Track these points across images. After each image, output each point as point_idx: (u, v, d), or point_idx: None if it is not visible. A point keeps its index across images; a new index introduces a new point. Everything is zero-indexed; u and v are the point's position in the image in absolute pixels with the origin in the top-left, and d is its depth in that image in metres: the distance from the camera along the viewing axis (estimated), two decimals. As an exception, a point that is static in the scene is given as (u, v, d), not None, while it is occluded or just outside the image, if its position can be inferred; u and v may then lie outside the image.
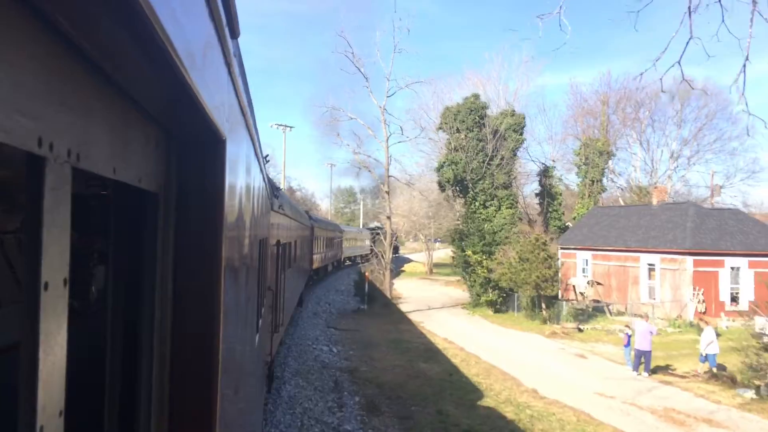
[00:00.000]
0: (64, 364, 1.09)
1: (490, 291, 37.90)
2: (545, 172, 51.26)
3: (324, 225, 43.96)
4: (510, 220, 42.22)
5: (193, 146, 2.01)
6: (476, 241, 40.58)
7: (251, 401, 5.19)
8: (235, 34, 2.35)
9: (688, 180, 65.59)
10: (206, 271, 2.01)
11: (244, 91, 2.99)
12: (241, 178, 2.95)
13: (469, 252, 40.21)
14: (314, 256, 35.81)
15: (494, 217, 42.26)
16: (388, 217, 44.27)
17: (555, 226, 47.41)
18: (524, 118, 44.68)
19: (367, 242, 71.67)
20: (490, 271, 37.48)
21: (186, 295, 1.98)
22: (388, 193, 44.36)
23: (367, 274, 39.20)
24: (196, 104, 1.56)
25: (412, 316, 34.67)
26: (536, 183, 53.29)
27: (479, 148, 42.63)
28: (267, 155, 9.17)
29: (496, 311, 37.20)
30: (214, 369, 2.00)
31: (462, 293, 46.13)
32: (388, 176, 44.72)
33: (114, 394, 1.92)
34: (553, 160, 58.96)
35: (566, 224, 49.26)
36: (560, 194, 50.99)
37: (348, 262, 64.79)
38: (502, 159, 43.07)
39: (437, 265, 76.66)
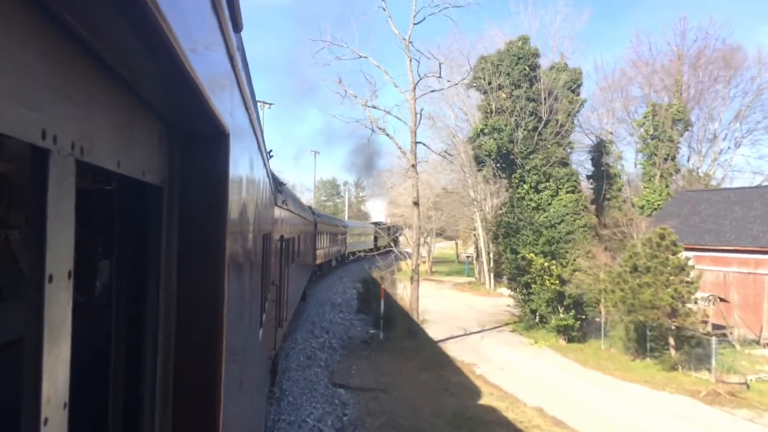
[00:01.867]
0: (69, 356, 1.10)
1: (561, 311, 27.68)
2: (601, 148, 39.25)
3: (328, 220, 43.92)
4: (573, 209, 31.37)
5: (196, 140, 2.01)
6: (531, 237, 30.79)
7: (255, 395, 5.21)
8: (238, 27, 2.34)
9: (731, 163, 50.19)
10: (210, 265, 2.01)
11: (247, 84, 2.99)
12: (244, 173, 2.95)
13: (528, 254, 29.54)
14: (318, 252, 35.75)
15: (549, 204, 31.64)
16: (416, 203, 29.12)
17: (614, 218, 34.74)
18: (581, 73, 33.90)
19: (371, 237, 71.69)
20: (562, 282, 27.76)
21: (190, 289, 1.98)
22: (415, 166, 28.50)
23: (382, 286, 28.69)
24: (199, 98, 1.56)
25: (453, 351, 24.17)
26: (587, 161, 41.55)
27: (529, 111, 31.81)
28: (270, 150, 9.17)
29: (570, 340, 26.99)
30: (217, 363, 2.01)
31: (484, 302, 37.98)
32: (416, 143, 28.58)
33: (118, 386, 1.93)
34: (611, 132, 45.96)
35: (628, 217, 34.92)
36: (619, 176, 39.62)
37: (352, 257, 64.81)
38: (559, 127, 32.01)
39: (433, 262, 67.87)
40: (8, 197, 2.53)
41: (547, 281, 28.06)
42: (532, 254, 29.16)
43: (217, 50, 1.85)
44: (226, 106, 2.05)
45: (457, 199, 52.28)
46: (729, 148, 48.72)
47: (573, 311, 27.30)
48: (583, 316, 27.52)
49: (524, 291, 30.31)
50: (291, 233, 16.11)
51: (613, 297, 23.72)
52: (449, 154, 39.57)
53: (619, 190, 38.90)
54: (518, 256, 30.53)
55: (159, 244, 1.89)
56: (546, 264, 28.32)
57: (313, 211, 33.77)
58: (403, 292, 33.82)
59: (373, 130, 29.48)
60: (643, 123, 40.57)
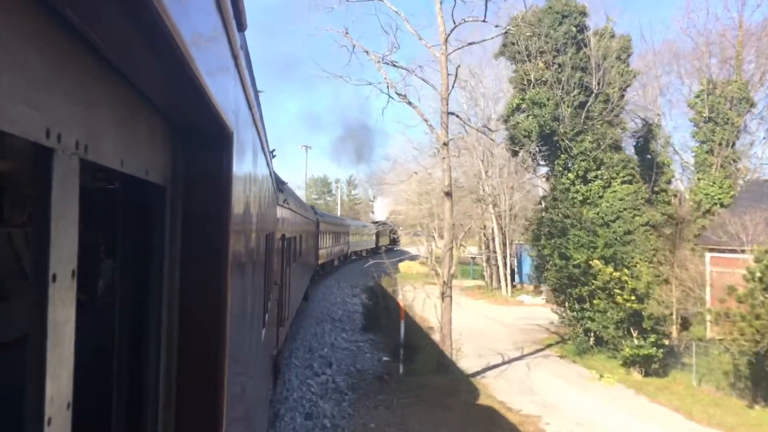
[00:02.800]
0: (72, 356, 1.09)
1: (635, 334, 21.60)
2: (647, 132, 31.63)
3: (330, 219, 43.96)
4: (631, 203, 25.45)
5: (200, 139, 2.01)
6: (584, 239, 24.40)
7: (257, 394, 5.22)
8: (242, 26, 2.34)
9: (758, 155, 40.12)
10: (213, 264, 2.01)
11: (250, 83, 2.99)
12: (247, 172, 2.95)
13: (589, 260, 23.30)
14: (320, 251, 35.75)
15: (600, 197, 25.60)
16: (447, 193, 21.63)
17: (664, 214, 27.97)
18: (630, 40, 27.66)
19: (373, 237, 71.79)
20: (638, 298, 21.50)
21: (193, 288, 1.98)
22: (446, 145, 21.26)
23: (401, 305, 21.79)
24: (202, 97, 1.56)
25: (501, 392, 18.22)
26: (628, 148, 32.60)
27: (575, 82, 25.62)
28: (273, 150, 9.18)
29: (647, 373, 20.79)
30: (221, 362, 2.01)
31: (506, 312, 32.24)
32: (448, 113, 21.33)
33: (122, 386, 1.93)
34: (658, 114, 38.14)
35: (679, 215, 29.47)
36: (669, 165, 31.79)
37: (354, 257, 64.87)
38: (610, 104, 26.01)
39: (426, 264, 62.24)
40: (12, 196, 2.53)
41: (618, 296, 21.71)
42: (597, 262, 22.80)
43: (221, 49, 1.85)
44: (229, 105, 2.04)
45: (465, 195, 45.50)
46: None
47: (653, 336, 21.05)
48: (665, 342, 21.36)
49: (577, 306, 24.11)
50: (293, 233, 16.13)
51: (751, 327, 17.07)
52: (489, 129, 30.68)
53: (669, 182, 30.92)
54: (569, 262, 24.26)
55: (162, 243, 1.89)
56: (617, 274, 21.91)
57: (315, 211, 33.81)
58: (414, 302, 27.31)
59: (390, 97, 21.69)
60: (696, 103, 32.51)
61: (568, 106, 25.62)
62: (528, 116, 26.08)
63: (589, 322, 23.49)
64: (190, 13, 1.26)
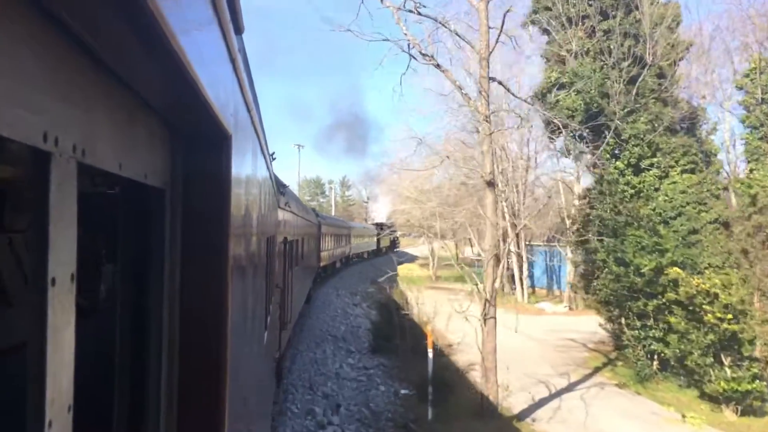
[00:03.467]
0: (73, 359, 1.10)
1: (727, 363, 17.26)
2: (693, 117, 26.89)
3: (331, 222, 43.93)
4: (696, 196, 21.46)
5: (198, 142, 2.01)
6: (646, 240, 19.68)
7: (260, 398, 5.21)
8: (239, 30, 2.35)
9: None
10: (213, 268, 2.01)
11: (249, 87, 2.99)
12: (246, 175, 2.96)
13: (660, 265, 18.71)
14: (322, 254, 35.72)
15: (656, 190, 21.39)
16: (490, 183, 17.12)
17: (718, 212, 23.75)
18: (680, 7, 23.74)
19: (374, 239, 71.86)
20: (733, 316, 17.07)
21: (193, 292, 1.98)
22: (488, 120, 16.74)
23: (428, 331, 16.89)
24: (200, 100, 1.56)
25: None
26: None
27: (626, 53, 21.30)
28: (273, 152, 9.18)
29: (744, 412, 16.54)
30: (222, 365, 2.01)
31: (530, 323, 27.99)
32: (488, 78, 16.79)
33: (123, 389, 1.93)
34: (703, 96, 32.34)
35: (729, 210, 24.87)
36: (717, 154, 27.27)
37: (356, 259, 64.93)
38: (665, 79, 21.73)
39: (426, 265, 59.20)
40: (10, 200, 2.54)
41: (709, 315, 17.19)
42: (678, 270, 18.32)
43: (218, 52, 1.85)
44: (228, 108, 2.05)
45: (473, 193, 40.64)
46: None
47: (753, 365, 16.78)
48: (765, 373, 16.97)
49: (638, 324, 19.80)
50: (294, 235, 16.12)
51: None
52: (530, 103, 23.29)
53: (717, 173, 26.64)
54: (629, 269, 19.72)
55: (162, 246, 1.89)
56: (705, 285, 17.46)
57: (316, 213, 33.84)
58: (435, 316, 22.34)
59: (412, 57, 16.64)
60: (746, 83, 27.53)
61: (615, 82, 20.91)
62: (571, 92, 20.97)
63: (654, 343, 19.16)
64: (187, 17, 1.27)
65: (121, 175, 1.41)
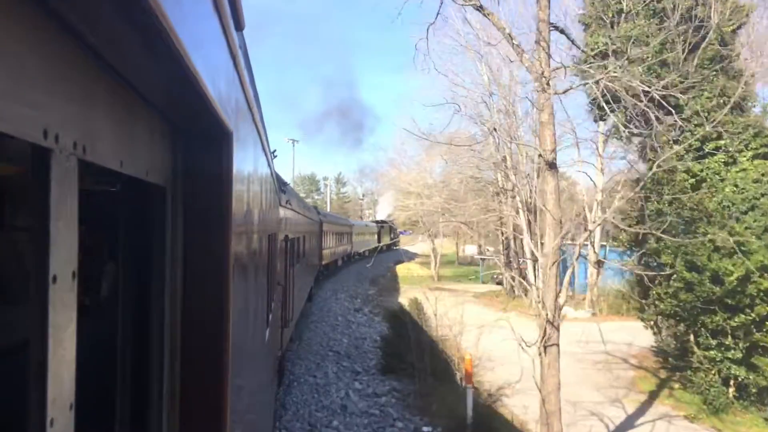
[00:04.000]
0: (74, 357, 1.09)
1: None
2: (747, 97, 21.07)
3: (333, 219, 43.92)
4: None
5: (199, 139, 2.01)
6: (723, 239, 16.27)
7: (262, 395, 5.22)
8: (240, 26, 2.34)
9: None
10: (215, 265, 2.01)
11: (249, 83, 2.99)
12: (248, 172, 2.95)
13: (749, 272, 15.86)
14: (323, 252, 35.71)
15: (721, 180, 17.86)
16: (552, 164, 11.56)
17: None
18: None
19: (375, 236, 71.96)
20: None
21: (195, 289, 1.98)
22: (548, 82, 11.38)
23: (469, 368, 13.94)
24: (201, 97, 1.56)
25: None
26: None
27: (685, 15, 17.47)
28: (275, 150, 9.18)
29: None
30: (224, 363, 2.01)
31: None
32: (550, 25, 11.67)
33: (125, 387, 1.93)
34: (752, 75, 24.66)
35: None
36: None
37: (357, 257, 65.04)
38: (726, 47, 18.62)
39: (426, 264, 55.54)
40: (11, 197, 2.54)
41: None
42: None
43: (219, 49, 1.85)
44: (228, 105, 2.04)
45: (481, 188, 38.02)
46: None
47: None
48: None
49: (713, 343, 16.67)
50: (296, 233, 16.13)
51: None
52: (598, 61, 15.66)
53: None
54: (704, 275, 16.48)
55: (163, 244, 1.89)
56: None
57: (318, 211, 33.81)
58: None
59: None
60: None
61: (673, 49, 17.27)
62: (623, 62, 15.33)
63: (734, 366, 16.08)
64: (187, 13, 1.26)
65: (122, 173, 1.41)
